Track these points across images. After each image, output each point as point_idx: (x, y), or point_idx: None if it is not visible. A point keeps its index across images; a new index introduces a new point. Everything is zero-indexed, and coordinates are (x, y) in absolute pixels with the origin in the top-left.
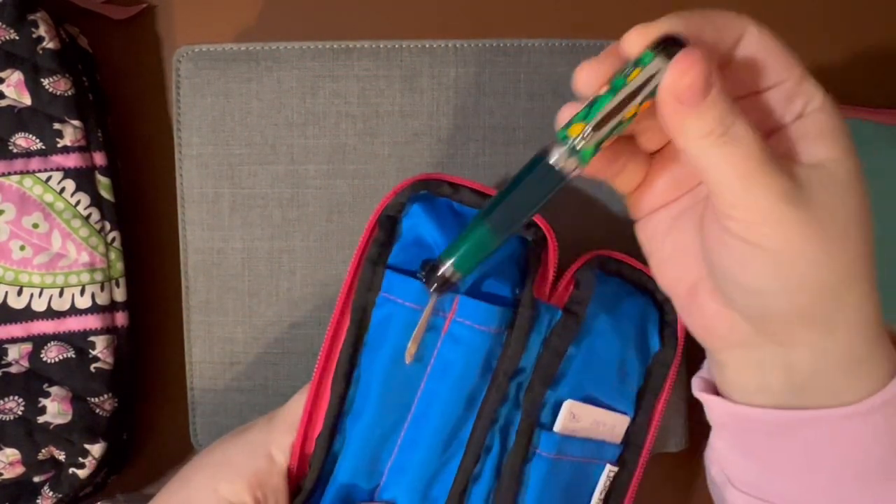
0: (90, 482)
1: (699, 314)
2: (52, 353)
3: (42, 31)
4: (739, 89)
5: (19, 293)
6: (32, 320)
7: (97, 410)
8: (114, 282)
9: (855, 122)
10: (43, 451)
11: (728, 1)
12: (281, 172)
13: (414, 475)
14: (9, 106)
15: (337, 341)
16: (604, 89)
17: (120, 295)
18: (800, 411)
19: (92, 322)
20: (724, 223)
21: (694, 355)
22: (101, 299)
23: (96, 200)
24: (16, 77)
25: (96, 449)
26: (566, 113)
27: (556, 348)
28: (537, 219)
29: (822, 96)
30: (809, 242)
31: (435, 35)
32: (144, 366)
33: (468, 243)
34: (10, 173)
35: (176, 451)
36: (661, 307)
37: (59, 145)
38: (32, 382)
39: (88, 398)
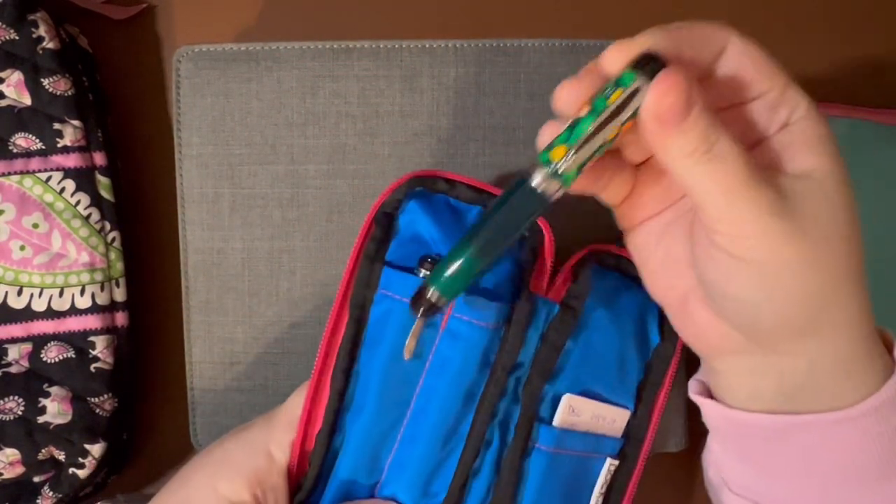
0: (90, 482)
1: (691, 323)
2: (52, 353)
3: (42, 31)
4: (723, 101)
5: (19, 293)
6: (32, 320)
7: (97, 410)
8: (114, 282)
9: (855, 122)
10: (43, 451)
11: (729, 2)
12: (281, 172)
13: (414, 470)
14: (9, 106)
15: (335, 338)
16: (585, 110)
17: (120, 295)
18: (793, 416)
19: (92, 322)
20: (711, 237)
21: (693, 352)
22: (101, 299)
23: (96, 200)
24: (16, 77)
25: (96, 449)
26: (547, 133)
27: (553, 342)
28: None
29: (806, 104)
30: (795, 254)
31: (435, 35)
32: (144, 366)
33: (453, 268)
34: (10, 173)
35: (176, 451)
36: None
37: (59, 145)
38: (32, 382)
39: (88, 398)
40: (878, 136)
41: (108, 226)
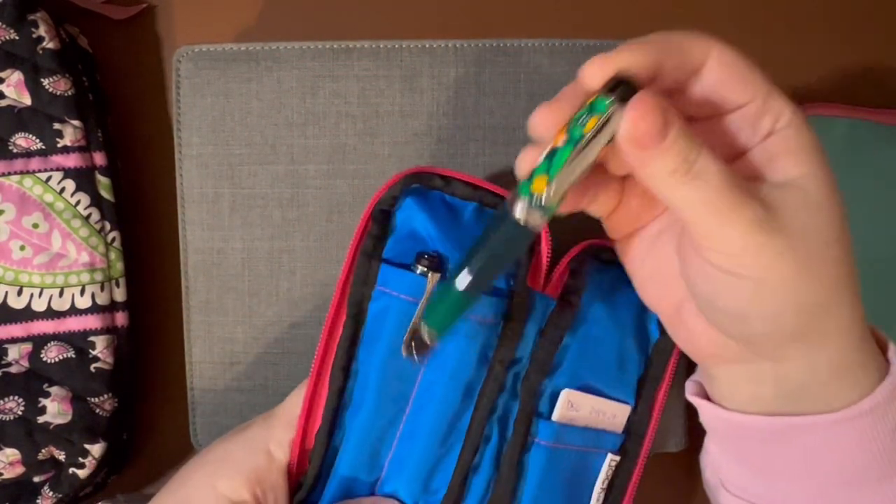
0: (90, 482)
1: (685, 331)
2: (52, 353)
3: (42, 31)
4: (705, 111)
5: (19, 293)
6: (32, 320)
7: (97, 410)
8: (114, 282)
9: (855, 122)
10: (43, 451)
11: (729, 2)
12: (281, 172)
13: (414, 467)
14: (9, 106)
15: (334, 336)
16: (562, 139)
17: (120, 295)
18: (789, 418)
19: (92, 322)
20: (701, 254)
21: None
22: (101, 299)
23: (96, 200)
24: (16, 77)
25: (96, 449)
26: (526, 161)
27: (551, 337)
28: None
29: (790, 112)
30: (787, 267)
31: (435, 35)
32: (144, 366)
33: (442, 307)
34: (10, 173)
35: (176, 451)
36: None
37: (59, 145)
38: (32, 382)
39: (88, 398)
40: (878, 136)
41: (108, 226)
